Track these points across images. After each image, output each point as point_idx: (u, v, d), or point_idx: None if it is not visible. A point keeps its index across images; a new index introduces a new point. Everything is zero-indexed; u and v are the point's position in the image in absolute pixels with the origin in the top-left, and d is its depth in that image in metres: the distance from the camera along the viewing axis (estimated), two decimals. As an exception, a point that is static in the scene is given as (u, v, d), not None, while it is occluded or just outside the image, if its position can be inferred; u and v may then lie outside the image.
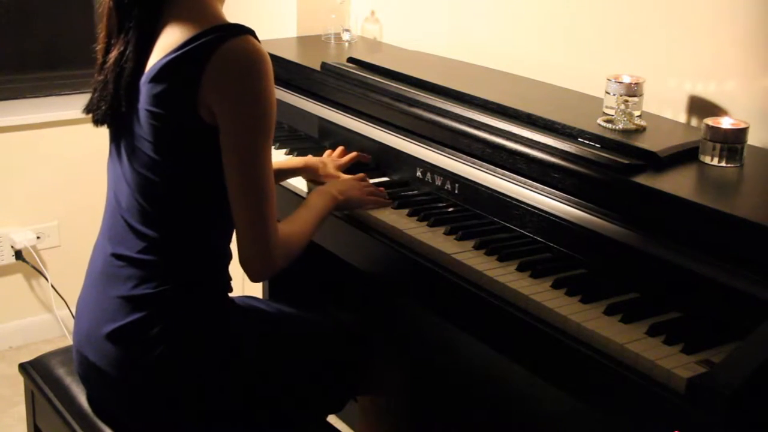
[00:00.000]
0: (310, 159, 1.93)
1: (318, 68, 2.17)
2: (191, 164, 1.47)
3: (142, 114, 1.44)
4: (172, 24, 1.46)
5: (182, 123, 1.43)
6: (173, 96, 1.42)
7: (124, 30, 1.48)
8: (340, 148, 1.98)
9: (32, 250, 3.00)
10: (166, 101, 1.42)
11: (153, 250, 1.48)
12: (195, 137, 1.44)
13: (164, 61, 1.42)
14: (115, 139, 1.54)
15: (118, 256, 1.51)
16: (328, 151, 1.99)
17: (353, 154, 1.96)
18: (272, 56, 2.29)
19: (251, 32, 1.45)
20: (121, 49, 1.47)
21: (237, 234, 1.49)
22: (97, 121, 1.53)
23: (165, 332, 1.48)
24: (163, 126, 1.43)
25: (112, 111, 1.49)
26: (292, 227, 1.57)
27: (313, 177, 1.90)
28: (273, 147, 2.11)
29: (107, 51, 1.51)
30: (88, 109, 1.55)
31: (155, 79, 1.42)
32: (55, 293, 3.06)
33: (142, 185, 1.48)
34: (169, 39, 1.44)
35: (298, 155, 2.05)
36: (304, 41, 2.60)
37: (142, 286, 1.48)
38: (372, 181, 1.85)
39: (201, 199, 1.49)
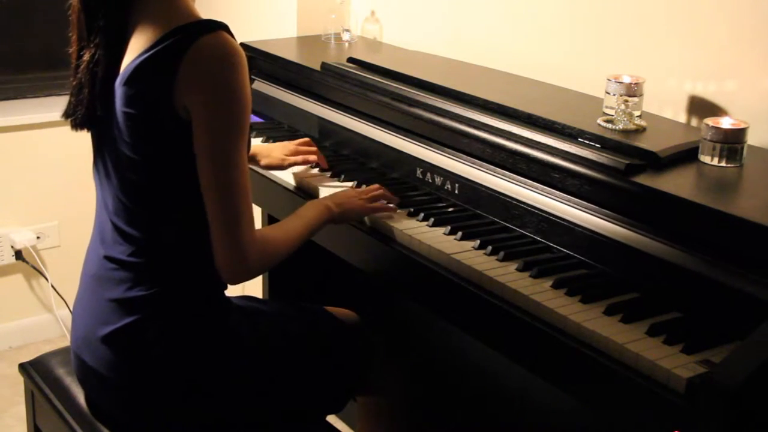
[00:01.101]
0: (256, 147, 1.96)
1: (318, 68, 2.17)
2: (173, 163, 1.45)
3: (120, 116, 1.42)
4: (143, 23, 1.44)
5: (160, 122, 1.41)
6: (149, 96, 1.40)
7: (93, 31, 1.46)
8: (305, 140, 1.99)
9: (32, 250, 3.00)
10: (143, 102, 1.40)
11: (142, 253, 1.47)
12: (174, 136, 1.42)
13: (137, 61, 1.40)
14: (97, 144, 1.52)
15: (110, 259, 1.50)
16: (296, 141, 1.99)
17: (305, 140, 1.99)
18: (272, 56, 2.32)
19: (224, 27, 1.42)
20: (92, 51, 1.45)
21: (211, 233, 1.44)
22: (76, 126, 1.51)
23: (160, 334, 1.48)
24: (141, 127, 1.41)
25: (89, 115, 1.47)
26: (274, 232, 1.53)
27: (256, 165, 1.94)
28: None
29: (80, 54, 1.48)
30: (66, 114, 1.52)
31: (129, 80, 1.41)
32: (55, 293, 3.06)
33: (126, 187, 1.46)
34: (141, 39, 1.43)
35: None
36: (304, 41, 2.59)
37: (135, 288, 1.47)
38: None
39: (185, 198, 1.47)
